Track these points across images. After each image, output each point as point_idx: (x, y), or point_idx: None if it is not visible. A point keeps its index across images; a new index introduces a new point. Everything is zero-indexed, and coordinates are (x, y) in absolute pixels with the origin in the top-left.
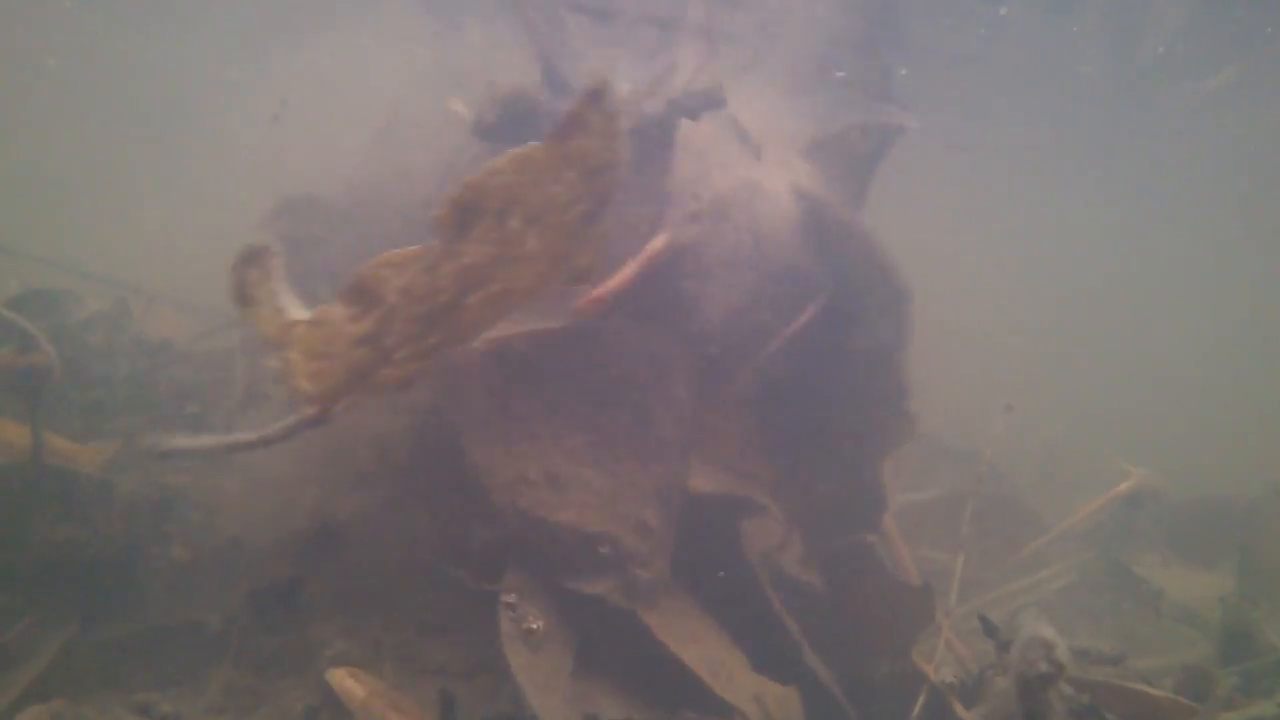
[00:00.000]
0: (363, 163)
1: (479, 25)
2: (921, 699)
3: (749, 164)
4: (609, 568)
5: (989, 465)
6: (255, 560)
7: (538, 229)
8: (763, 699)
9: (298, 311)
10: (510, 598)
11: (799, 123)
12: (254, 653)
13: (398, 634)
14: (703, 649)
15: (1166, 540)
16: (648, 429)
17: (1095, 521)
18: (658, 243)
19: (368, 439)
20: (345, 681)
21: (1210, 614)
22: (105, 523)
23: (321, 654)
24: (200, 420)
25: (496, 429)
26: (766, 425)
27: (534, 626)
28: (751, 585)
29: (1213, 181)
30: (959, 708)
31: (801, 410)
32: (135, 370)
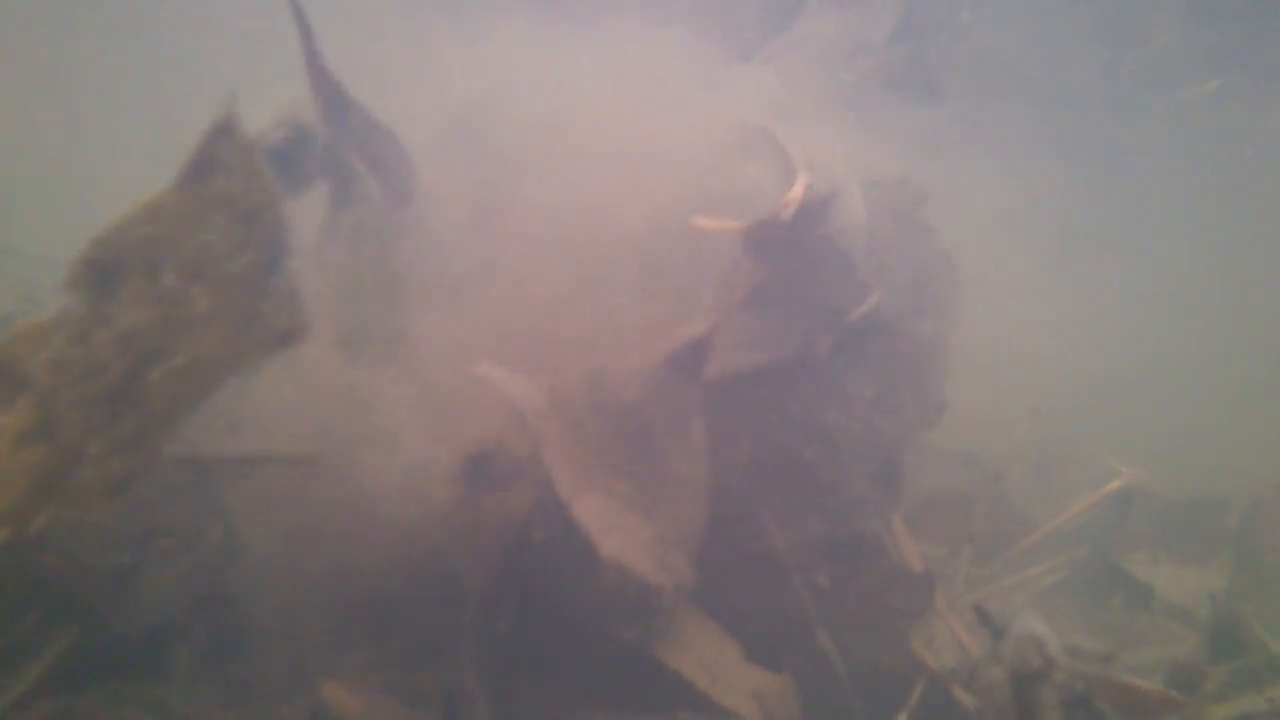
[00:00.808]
0: None
1: None
2: (921, 684)
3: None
4: (644, 615)
5: (981, 462)
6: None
7: (205, 285)
8: (762, 694)
9: None
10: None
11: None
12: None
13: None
14: (698, 653)
15: (1157, 538)
16: (670, 472)
17: (1086, 519)
18: (800, 182)
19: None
20: (339, 695)
21: (1200, 611)
22: (89, 555)
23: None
24: None
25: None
26: (788, 417)
27: (501, 627)
28: (772, 566)
29: (1209, 181)
30: (958, 690)
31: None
32: None
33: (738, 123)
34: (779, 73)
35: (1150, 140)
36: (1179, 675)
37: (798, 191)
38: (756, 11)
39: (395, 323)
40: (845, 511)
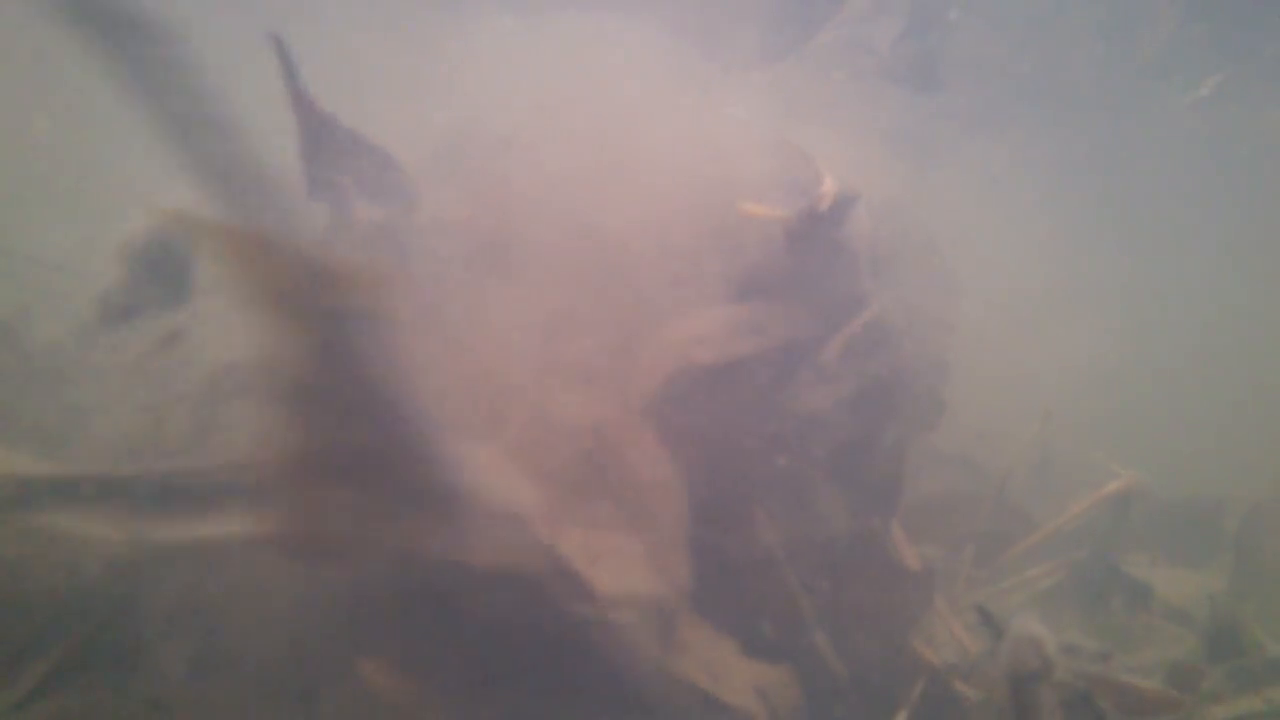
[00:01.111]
0: None
1: None
2: (922, 681)
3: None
4: (644, 625)
5: (980, 465)
6: None
7: None
8: (764, 689)
9: None
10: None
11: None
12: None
13: None
14: (697, 654)
15: (1156, 540)
16: (642, 481)
17: (1085, 521)
18: (830, 183)
19: None
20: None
21: (1199, 612)
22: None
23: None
24: None
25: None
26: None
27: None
28: (767, 563)
29: (1207, 179)
30: (959, 685)
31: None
32: None
33: (749, 129)
34: (781, 79)
35: (1148, 136)
36: (1178, 676)
37: (831, 186)
38: (764, 22)
39: None
40: (842, 509)
